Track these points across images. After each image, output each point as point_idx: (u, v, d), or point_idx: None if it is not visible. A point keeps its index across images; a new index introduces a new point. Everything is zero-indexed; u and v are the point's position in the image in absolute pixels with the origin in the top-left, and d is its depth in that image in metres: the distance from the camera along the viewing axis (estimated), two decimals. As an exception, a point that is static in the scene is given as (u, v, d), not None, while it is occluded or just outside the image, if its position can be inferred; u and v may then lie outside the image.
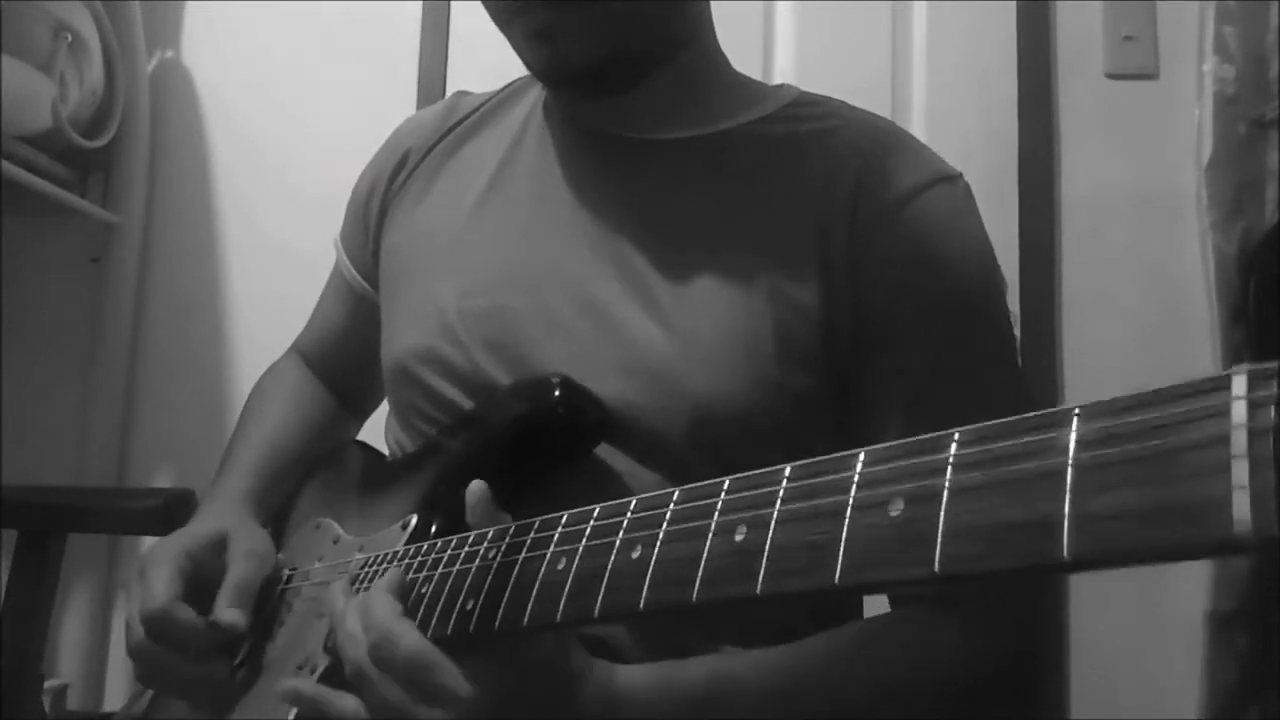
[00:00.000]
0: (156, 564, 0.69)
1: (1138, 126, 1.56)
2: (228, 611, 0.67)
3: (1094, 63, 1.58)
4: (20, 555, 1.06)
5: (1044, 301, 1.52)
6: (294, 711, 0.60)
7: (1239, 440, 0.27)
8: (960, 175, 0.71)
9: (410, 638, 0.52)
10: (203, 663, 0.67)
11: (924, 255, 0.66)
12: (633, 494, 0.64)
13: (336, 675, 0.62)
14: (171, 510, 1.06)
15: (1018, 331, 1.51)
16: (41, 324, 1.63)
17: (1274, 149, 1.44)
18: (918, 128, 1.55)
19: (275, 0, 1.68)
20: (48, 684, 1.40)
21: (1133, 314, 1.52)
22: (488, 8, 0.69)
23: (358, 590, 0.63)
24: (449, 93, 0.91)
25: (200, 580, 0.70)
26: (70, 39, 1.43)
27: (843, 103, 0.76)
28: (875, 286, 0.65)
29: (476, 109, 0.83)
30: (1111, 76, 1.57)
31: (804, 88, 0.78)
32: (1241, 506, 0.26)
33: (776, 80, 1.44)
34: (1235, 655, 1.35)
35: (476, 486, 0.55)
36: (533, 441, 0.66)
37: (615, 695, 0.55)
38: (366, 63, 1.66)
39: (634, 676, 0.56)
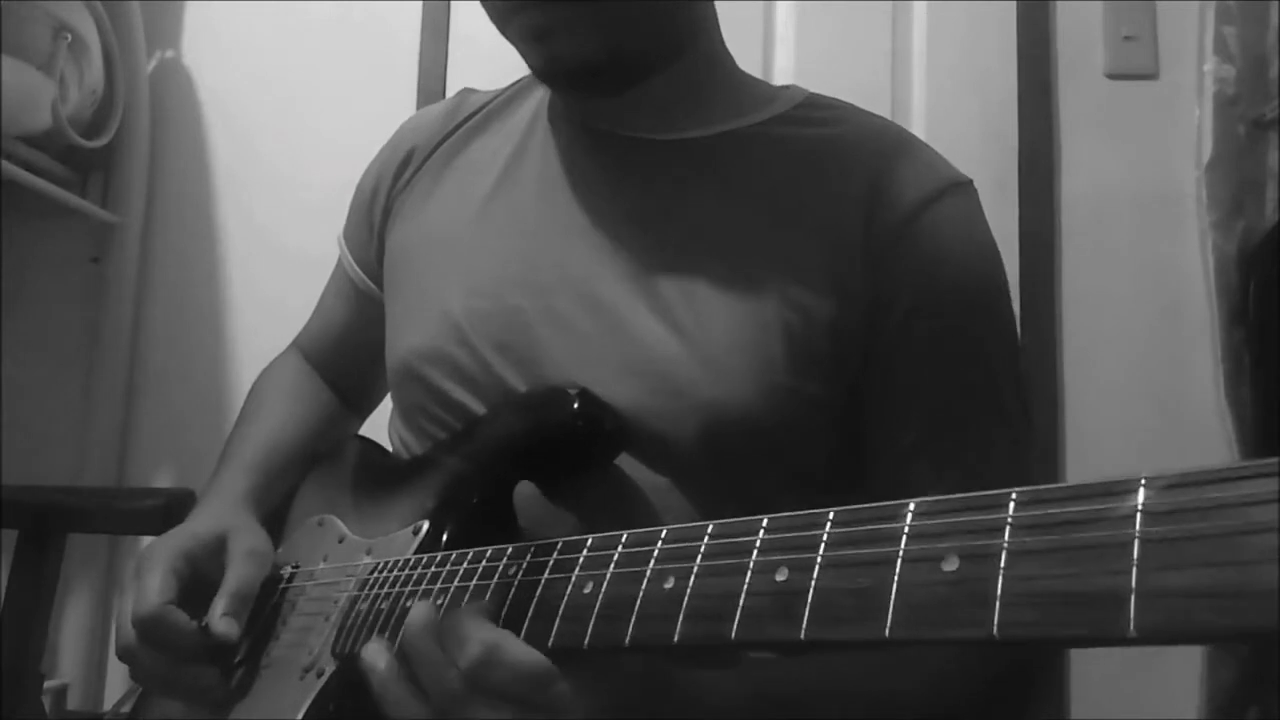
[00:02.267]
0: (152, 565, 0.68)
1: (1138, 126, 1.56)
2: (221, 620, 0.66)
3: (1094, 63, 1.58)
4: (20, 555, 1.06)
5: (1044, 301, 1.52)
6: (303, 711, 0.60)
7: None
8: (970, 181, 0.71)
9: (519, 649, 0.47)
10: (193, 668, 0.67)
11: (937, 265, 0.66)
12: (642, 498, 0.65)
13: (343, 680, 0.62)
14: (171, 510, 1.06)
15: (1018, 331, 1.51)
16: (41, 324, 1.63)
17: (1274, 149, 1.44)
18: (918, 128, 1.55)
19: (275, 0, 1.68)
20: (48, 684, 1.40)
21: (1133, 314, 1.52)
22: (486, 8, 0.69)
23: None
24: (449, 93, 0.91)
25: (197, 581, 0.69)
26: (70, 39, 1.43)
27: (851, 105, 0.76)
28: (889, 297, 0.65)
29: (482, 107, 0.83)
30: (1111, 76, 1.57)
31: (804, 88, 0.77)
32: None
33: (777, 80, 1.44)
34: (1235, 655, 1.35)
35: (526, 488, 0.55)
36: (548, 453, 0.65)
37: (703, 700, 0.54)
38: (366, 63, 1.66)
39: (719, 682, 0.55)
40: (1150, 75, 1.57)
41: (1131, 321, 1.52)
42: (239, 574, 0.69)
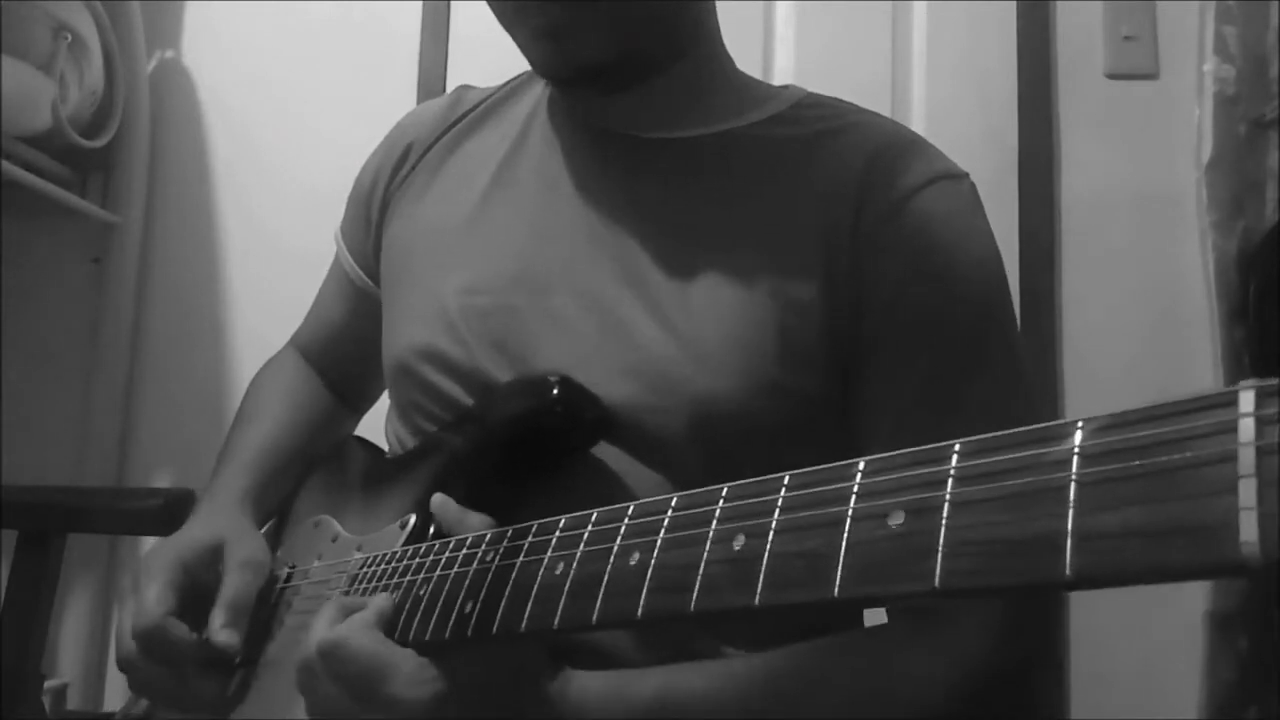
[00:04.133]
0: (150, 576, 0.68)
1: (1138, 126, 1.56)
2: (222, 632, 0.66)
3: (1094, 63, 1.58)
4: (20, 555, 1.06)
5: (1044, 301, 1.52)
6: (298, 709, 0.60)
7: (1246, 459, 0.26)
8: (966, 175, 0.70)
9: (360, 641, 0.54)
10: (194, 679, 0.67)
11: (924, 252, 0.65)
12: (634, 494, 0.65)
13: None
14: (171, 510, 1.06)
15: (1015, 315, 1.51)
16: (41, 324, 1.63)
17: (1274, 149, 1.44)
18: (918, 128, 1.53)
19: (276, 1, 1.68)
20: (48, 684, 1.40)
21: (1133, 313, 1.52)
22: (493, 7, 0.69)
23: (358, 591, 0.63)
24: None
25: (195, 590, 0.69)
26: (70, 39, 1.43)
27: (850, 104, 0.76)
28: (876, 284, 0.65)
29: (479, 103, 0.83)
30: (1111, 76, 1.57)
31: (804, 87, 0.77)
32: (1249, 528, 0.25)
33: (777, 80, 1.44)
34: (1235, 655, 1.35)
35: (438, 500, 0.62)
36: (531, 440, 0.66)
37: (567, 702, 0.55)
38: (366, 62, 1.66)
39: (588, 684, 0.57)
40: (1150, 75, 1.56)
41: (1131, 321, 1.52)
42: (235, 584, 0.69)
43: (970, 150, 1.50)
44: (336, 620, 0.57)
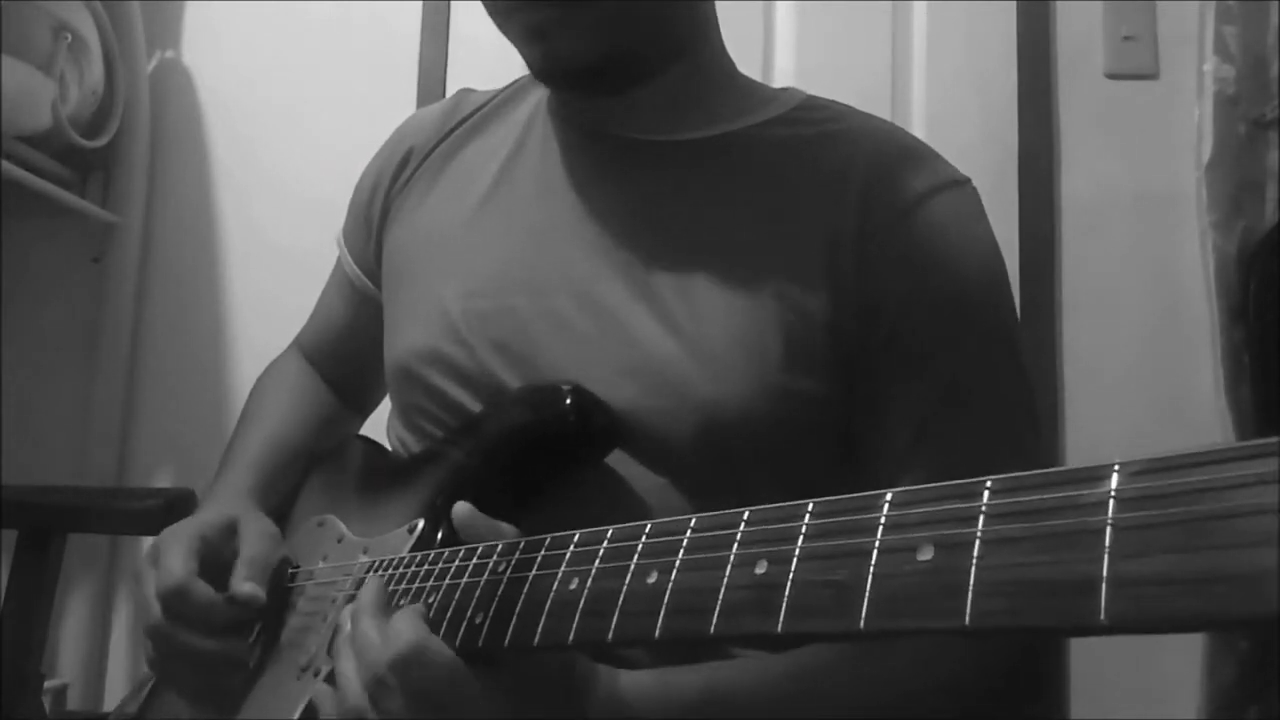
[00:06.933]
0: (170, 545, 0.69)
1: (1138, 126, 1.56)
2: (246, 584, 0.67)
3: (1094, 63, 1.58)
4: (20, 555, 1.06)
5: (1044, 301, 1.52)
6: (299, 710, 0.60)
7: None
8: (968, 180, 0.71)
9: (444, 655, 0.51)
10: (220, 639, 0.67)
11: (932, 261, 0.66)
12: (639, 498, 0.65)
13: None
14: (172, 510, 1.06)
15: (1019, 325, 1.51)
16: (41, 324, 1.63)
17: (1274, 149, 1.44)
18: (918, 128, 1.55)
19: (276, 1, 1.68)
20: (48, 684, 1.40)
21: (1133, 314, 1.52)
22: (487, 6, 0.69)
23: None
24: (449, 93, 0.91)
25: (213, 562, 0.69)
26: (70, 39, 1.44)
27: (849, 107, 0.76)
28: (883, 292, 0.65)
29: (480, 107, 0.83)
30: (1111, 76, 1.57)
31: (804, 88, 0.77)
32: None
33: (777, 81, 1.44)
34: (1235, 655, 1.35)
35: (462, 509, 0.58)
36: (542, 450, 0.65)
37: (620, 701, 0.55)
38: (366, 63, 1.66)
39: (638, 682, 0.57)
40: (1150, 75, 1.56)
41: (1131, 321, 1.52)
42: (253, 548, 0.70)
43: (970, 151, 1.50)
44: (387, 624, 0.53)
